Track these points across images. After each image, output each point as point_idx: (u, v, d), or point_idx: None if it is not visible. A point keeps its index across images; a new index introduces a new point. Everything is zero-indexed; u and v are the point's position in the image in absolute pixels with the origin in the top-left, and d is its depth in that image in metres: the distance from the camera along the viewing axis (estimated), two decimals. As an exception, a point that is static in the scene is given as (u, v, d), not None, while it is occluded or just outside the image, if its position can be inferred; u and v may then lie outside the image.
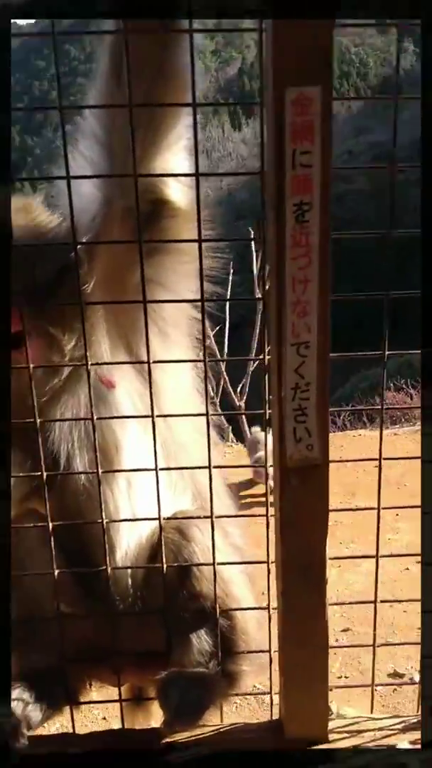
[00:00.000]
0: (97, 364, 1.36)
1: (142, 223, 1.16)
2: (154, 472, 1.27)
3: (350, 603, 2.61)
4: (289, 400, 1.13)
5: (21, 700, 1.38)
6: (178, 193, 1.39)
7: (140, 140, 1.16)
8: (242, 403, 7.48)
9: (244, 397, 7.64)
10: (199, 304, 1.22)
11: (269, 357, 1.17)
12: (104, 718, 2.74)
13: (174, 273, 1.43)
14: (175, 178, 1.37)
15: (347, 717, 1.38)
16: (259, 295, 4.75)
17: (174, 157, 1.37)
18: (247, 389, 7.69)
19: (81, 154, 1.38)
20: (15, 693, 1.38)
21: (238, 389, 7.67)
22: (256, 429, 5.94)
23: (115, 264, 1.41)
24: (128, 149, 1.08)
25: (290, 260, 1.06)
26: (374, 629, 1.39)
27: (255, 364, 6.90)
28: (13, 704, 1.36)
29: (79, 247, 1.23)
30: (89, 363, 1.24)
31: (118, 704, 1.48)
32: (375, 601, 1.36)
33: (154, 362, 1.25)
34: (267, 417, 1.24)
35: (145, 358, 1.25)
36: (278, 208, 1.04)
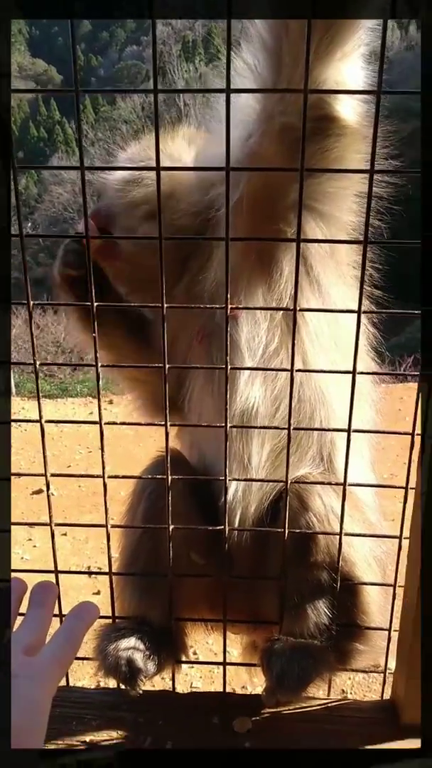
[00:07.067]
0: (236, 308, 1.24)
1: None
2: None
3: None
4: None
5: (139, 649, 1.34)
6: (349, 109, 1.20)
7: (314, 47, 0.97)
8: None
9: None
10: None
11: None
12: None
13: (335, 199, 1.27)
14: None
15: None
16: None
17: (348, 67, 1.15)
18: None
19: (244, 61, 1.21)
20: (132, 641, 1.35)
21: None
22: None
23: (267, 185, 1.25)
24: (299, 57, 0.89)
25: None
26: None
27: None
28: (133, 652, 1.33)
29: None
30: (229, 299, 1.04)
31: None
32: None
33: (300, 310, 1.10)
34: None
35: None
36: None
